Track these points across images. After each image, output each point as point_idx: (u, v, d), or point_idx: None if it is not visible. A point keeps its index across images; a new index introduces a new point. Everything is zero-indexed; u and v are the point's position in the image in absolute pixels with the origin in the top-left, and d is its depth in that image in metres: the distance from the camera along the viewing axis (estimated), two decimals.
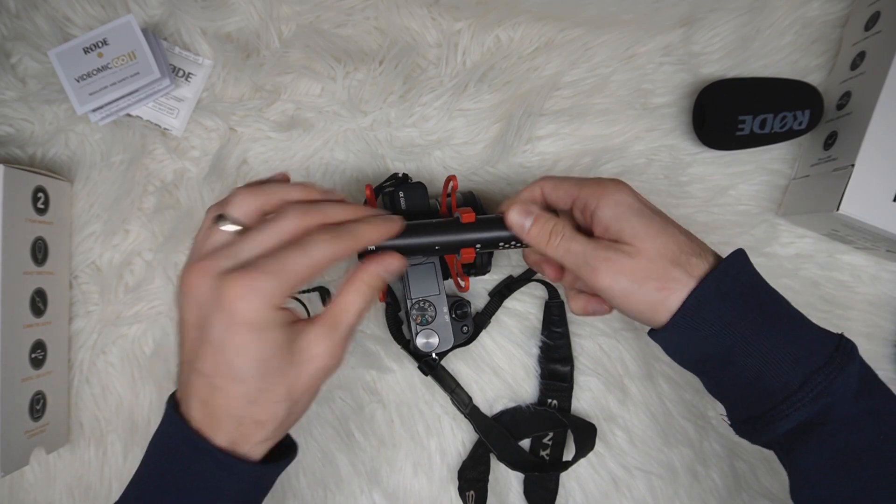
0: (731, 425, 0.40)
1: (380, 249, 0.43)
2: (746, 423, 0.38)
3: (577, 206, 0.41)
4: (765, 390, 0.36)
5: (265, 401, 0.34)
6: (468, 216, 0.43)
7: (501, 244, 0.44)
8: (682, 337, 0.38)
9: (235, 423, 0.34)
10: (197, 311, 0.34)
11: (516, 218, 0.41)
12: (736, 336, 0.36)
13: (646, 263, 0.37)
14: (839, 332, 0.37)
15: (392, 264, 0.38)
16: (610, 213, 0.38)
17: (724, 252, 0.38)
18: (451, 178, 0.47)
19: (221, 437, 0.34)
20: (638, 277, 0.37)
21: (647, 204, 0.39)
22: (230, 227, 0.35)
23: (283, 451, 0.38)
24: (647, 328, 0.39)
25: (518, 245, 0.44)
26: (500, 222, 0.43)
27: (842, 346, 0.36)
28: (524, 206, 0.41)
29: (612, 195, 0.39)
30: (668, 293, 0.36)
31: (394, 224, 0.40)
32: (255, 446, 0.35)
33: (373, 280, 0.37)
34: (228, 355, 0.33)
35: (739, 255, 0.38)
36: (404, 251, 0.43)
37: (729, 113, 0.51)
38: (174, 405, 0.36)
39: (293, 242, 0.34)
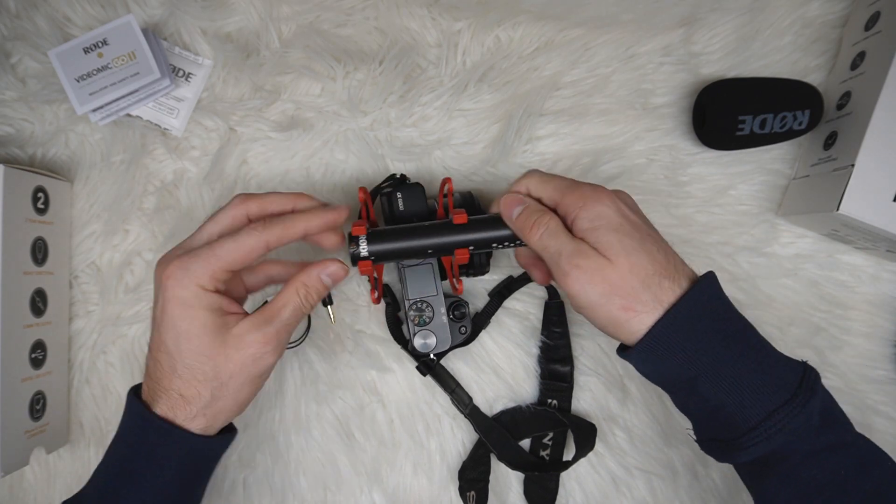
0: (696, 441, 0.41)
1: (374, 256, 0.43)
2: (711, 443, 0.39)
3: (559, 212, 0.41)
4: (727, 420, 0.36)
5: (189, 377, 0.38)
6: (460, 217, 0.43)
7: (495, 245, 0.44)
8: (646, 363, 0.38)
9: (165, 394, 0.38)
10: (154, 295, 0.40)
11: (509, 201, 0.42)
12: (700, 368, 0.36)
13: (615, 278, 0.36)
14: (803, 361, 0.38)
15: (333, 270, 0.41)
16: (587, 225, 0.38)
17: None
18: (446, 180, 0.47)
19: (159, 408, 0.38)
20: (604, 291, 0.37)
21: (629, 218, 0.38)
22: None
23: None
24: None
25: (512, 245, 0.44)
26: (493, 223, 0.43)
27: (805, 380, 0.36)
28: (518, 195, 0.42)
29: (593, 207, 0.38)
30: (631, 315, 0.36)
31: (335, 213, 0.42)
32: (186, 421, 0.38)
33: (311, 281, 0.41)
34: (162, 330, 0.38)
35: (710, 282, 0.38)
36: (398, 255, 0.43)
37: (729, 113, 0.51)
38: (133, 390, 0.41)
39: (233, 232, 0.39)
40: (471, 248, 0.43)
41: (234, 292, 0.44)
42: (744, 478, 0.40)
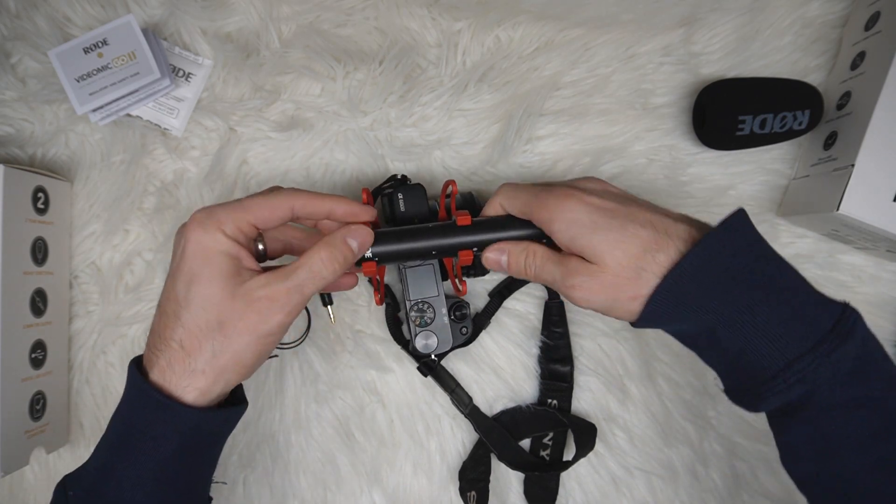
0: (724, 391, 0.39)
1: (378, 257, 0.42)
2: (736, 392, 0.38)
3: (536, 225, 0.41)
4: (748, 369, 0.35)
5: (192, 325, 0.36)
6: (464, 219, 0.43)
7: None
8: (666, 322, 0.38)
9: (164, 346, 0.36)
10: (174, 251, 0.38)
11: (493, 257, 0.42)
12: (716, 317, 0.35)
13: (611, 279, 0.36)
14: (843, 303, 0.35)
15: (359, 233, 0.40)
16: (564, 235, 0.38)
17: None
18: (449, 182, 0.47)
19: (155, 370, 0.36)
20: (608, 296, 0.37)
21: (601, 209, 0.38)
22: None
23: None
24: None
25: None
26: (497, 224, 0.43)
27: (838, 326, 0.34)
28: (493, 251, 0.42)
29: (562, 216, 0.38)
30: (641, 300, 0.36)
31: (365, 209, 0.41)
32: (181, 380, 0.36)
33: (336, 242, 0.39)
34: (176, 276, 0.37)
35: (729, 227, 0.36)
36: (402, 256, 0.43)
37: (729, 113, 0.51)
38: (135, 360, 0.38)
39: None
40: (475, 249, 0.43)
41: (254, 253, 0.42)
42: (770, 422, 0.39)
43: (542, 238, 0.42)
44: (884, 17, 0.51)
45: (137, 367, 0.37)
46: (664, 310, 0.36)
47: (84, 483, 0.37)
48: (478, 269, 0.51)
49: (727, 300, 0.35)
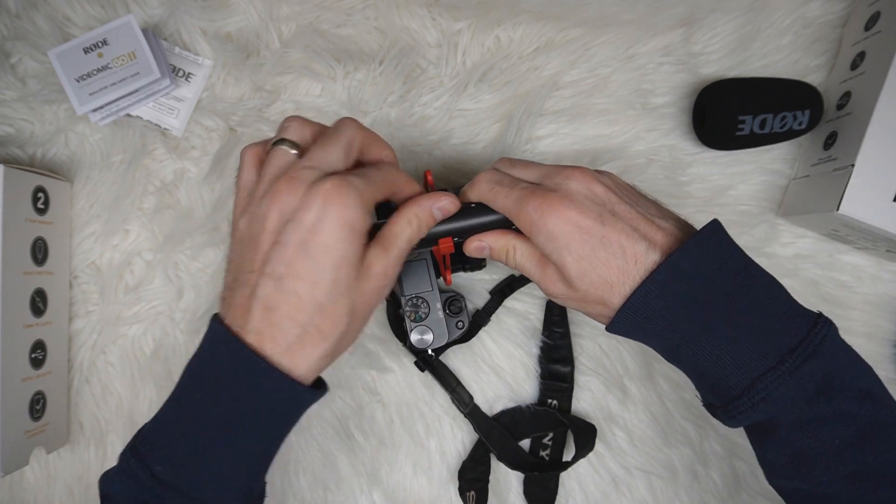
0: (703, 405, 0.40)
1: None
2: (711, 409, 0.38)
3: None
4: (714, 387, 0.36)
5: (331, 309, 0.33)
6: None
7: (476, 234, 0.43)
8: (631, 336, 0.39)
9: (299, 331, 0.33)
10: (278, 217, 0.33)
11: (475, 246, 0.42)
12: (680, 336, 0.35)
13: (582, 297, 0.38)
14: (816, 314, 0.36)
15: (444, 204, 0.39)
16: (543, 248, 0.38)
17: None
18: (426, 172, 0.46)
19: (279, 352, 0.33)
20: (581, 307, 0.39)
21: (577, 227, 0.36)
22: (292, 150, 0.36)
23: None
24: None
25: None
26: (475, 211, 0.42)
27: (805, 342, 0.34)
28: (478, 236, 0.42)
29: (540, 230, 0.37)
30: (609, 310, 0.37)
31: (449, 200, 0.40)
32: (311, 363, 0.34)
33: (421, 212, 0.38)
34: (310, 253, 0.32)
35: (699, 242, 0.35)
36: None
37: (729, 113, 0.51)
38: (222, 325, 0.34)
39: (368, 166, 0.37)
40: (455, 237, 0.43)
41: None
42: (750, 441, 0.39)
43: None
44: (884, 17, 0.51)
45: (232, 333, 0.34)
46: (630, 328, 0.37)
47: (181, 458, 0.34)
48: (472, 263, 0.51)
49: (688, 320, 0.35)
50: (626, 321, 0.37)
